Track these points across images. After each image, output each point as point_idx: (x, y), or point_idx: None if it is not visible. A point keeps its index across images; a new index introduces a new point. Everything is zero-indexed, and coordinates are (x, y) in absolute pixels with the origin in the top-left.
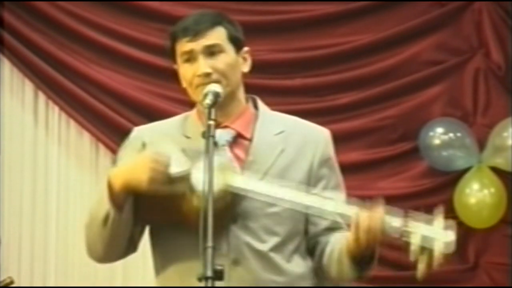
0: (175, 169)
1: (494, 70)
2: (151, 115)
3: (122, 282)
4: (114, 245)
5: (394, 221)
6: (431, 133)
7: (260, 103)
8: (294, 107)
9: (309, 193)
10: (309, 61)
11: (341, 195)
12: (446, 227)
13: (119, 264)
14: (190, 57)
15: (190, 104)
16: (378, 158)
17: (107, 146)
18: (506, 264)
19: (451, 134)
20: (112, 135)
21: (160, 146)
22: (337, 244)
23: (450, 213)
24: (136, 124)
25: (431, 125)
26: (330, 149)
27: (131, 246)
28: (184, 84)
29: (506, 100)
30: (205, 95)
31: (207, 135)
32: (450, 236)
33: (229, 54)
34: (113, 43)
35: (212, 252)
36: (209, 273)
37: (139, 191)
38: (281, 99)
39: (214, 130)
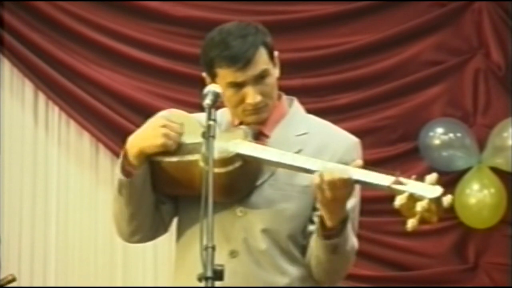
0: (188, 139)
1: (494, 70)
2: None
3: (122, 282)
4: (136, 219)
5: (384, 180)
6: (431, 133)
7: (294, 104)
8: None
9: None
10: (309, 61)
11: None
12: (436, 183)
13: (119, 264)
14: (238, 85)
15: (189, 105)
16: (378, 159)
17: (107, 146)
18: (506, 264)
19: (451, 134)
20: (112, 135)
21: (177, 118)
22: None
23: (450, 213)
24: (136, 125)
25: (431, 125)
26: (351, 156)
27: (160, 225)
28: (226, 104)
29: (506, 100)
30: (205, 95)
31: (207, 135)
32: (437, 190)
33: (271, 72)
34: (113, 43)
35: (212, 252)
36: (209, 273)
37: (152, 157)
38: None
39: (214, 130)
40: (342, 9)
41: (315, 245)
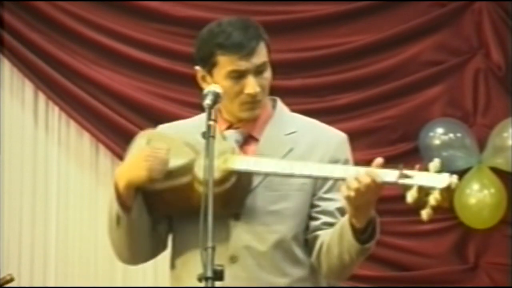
0: (177, 161)
1: (494, 70)
2: (151, 115)
3: (122, 282)
4: (136, 245)
5: (389, 176)
6: (431, 134)
7: (279, 104)
8: (294, 108)
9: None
10: (309, 61)
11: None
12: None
13: (119, 264)
14: (240, 75)
15: (189, 105)
16: None
17: (107, 146)
18: (506, 264)
19: (451, 135)
20: (112, 135)
21: (160, 142)
22: (335, 230)
23: (450, 213)
24: (136, 125)
25: (431, 126)
26: (343, 153)
27: (159, 244)
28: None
29: (506, 100)
30: (205, 96)
31: (207, 135)
32: (445, 178)
33: (269, 68)
34: (113, 43)
35: (212, 252)
36: (209, 273)
37: (142, 187)
38: (281, 99)
39: (214, 130)
40: (342, 9)
41: (345, 247)
